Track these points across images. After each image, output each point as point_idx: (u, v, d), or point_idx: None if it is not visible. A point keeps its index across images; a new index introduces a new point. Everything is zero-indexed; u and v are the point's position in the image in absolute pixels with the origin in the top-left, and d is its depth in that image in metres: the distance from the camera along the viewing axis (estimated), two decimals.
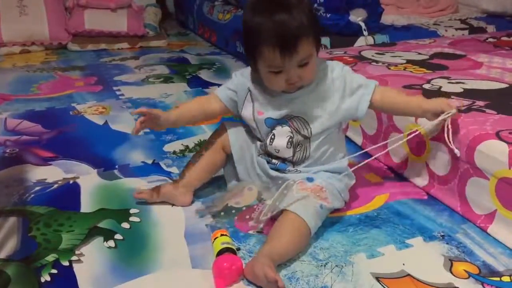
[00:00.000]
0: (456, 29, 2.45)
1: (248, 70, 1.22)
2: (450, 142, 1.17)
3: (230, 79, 1.26)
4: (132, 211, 1.28)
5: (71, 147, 1.68)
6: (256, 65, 1.13)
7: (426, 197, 1.32)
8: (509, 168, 1.08)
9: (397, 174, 1.44)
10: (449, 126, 1.17)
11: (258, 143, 1.25)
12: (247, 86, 1.21)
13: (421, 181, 1.36)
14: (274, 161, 1.22)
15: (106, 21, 3.08)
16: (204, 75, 2.51)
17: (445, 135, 1.18)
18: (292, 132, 1.17)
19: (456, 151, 1.17)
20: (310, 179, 1.17)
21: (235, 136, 1.28)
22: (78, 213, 1.28)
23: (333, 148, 1.21)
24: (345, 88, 1.17)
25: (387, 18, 2.53)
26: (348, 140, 1.62)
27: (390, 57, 1.91)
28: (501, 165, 1.09)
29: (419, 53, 1.94)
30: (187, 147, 1.67)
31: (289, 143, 1.18)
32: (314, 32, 1.09)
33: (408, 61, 1.82)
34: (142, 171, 1.50)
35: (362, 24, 2.32)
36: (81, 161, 1.57)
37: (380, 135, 1.49)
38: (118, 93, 2.24)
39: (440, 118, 1.16)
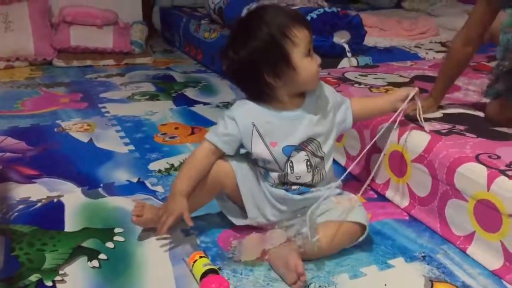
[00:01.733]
0: (437, 51, 2.51)
1: (242, 106, 1.17)
2: (421, 119, 1.32)
3: (223, 124, 1.17)
4: (116, 230, 1.28)
5: (56, 165, 1.67)
6: (291, 63, 1.10)
7: (407, 218, 1.35)
8: (488, 191, 1.11)
9: (380, 194, 1.47)
10: (419, 105, 1.31)
11: (273, 174, 1.19)
12: (250, 121, 1.15)
13: (403, 202, 1.39)
14: (294, 187, 1.20)
15: (92, 37, 3.09)
16: (190, 93, 2.53)
17: (418, 115, 1.32)
18: (308, 155, 1.18)
19: (426, 128, 1.31)
20: (340, 194, 1.25)
21: (240, 173, 1.21)
22: (62, 232, 1.27)
23: (332, 163, 1.25)
24: (334, 104, 1.23)
25: (370, 40, 2.59)
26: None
27: (373, 79, 1.95)
28: (480, 188, 1.12)
29: (401, 75, 1.99)
30: (172, 165, 1.68)
31: (309, 167, 1.19)
32: None
33: (390, 83, 1.86)
34: (127, 189, 1.50)
35: (346, 46, 2.36)
36: (65, 179, 1.56)
37: (363, 155, 1.52)
38: (103, 110, 2.24)
39: (409, 97, 1.29)
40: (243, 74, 1.16)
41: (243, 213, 1.23)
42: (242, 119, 1.16)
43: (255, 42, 1.10)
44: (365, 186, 1.25)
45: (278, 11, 1.14)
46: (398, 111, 1.30)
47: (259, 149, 1.16)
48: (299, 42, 1.10)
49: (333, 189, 1.23)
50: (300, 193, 1.20)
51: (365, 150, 1.35)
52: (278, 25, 1.10)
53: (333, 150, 1.24)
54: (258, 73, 1.12)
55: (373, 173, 1.33)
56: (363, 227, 1.17)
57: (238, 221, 1.25)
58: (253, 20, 1.14)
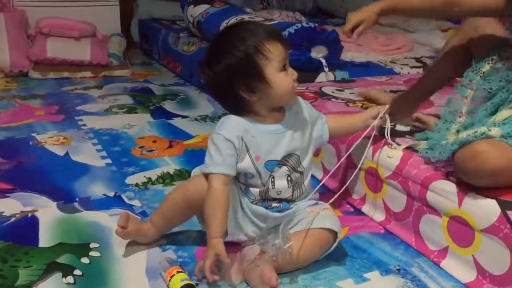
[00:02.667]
0: (411, 67, 2.56)
1: (228, 124, 1.16)
2: (388, 136, 1.36)
3: (216, 150, 1.14)
4: (92, 245, 1.27)
5: (30, 178, 1.65)
6: (265, 79, 1.11)
7: (383, 231, 1.37)
8: (459, 207, 1.14)
9: (357, 209, 1.48)
10: (388, 123, 1.35)
11: (254, 190, 1.18)
12: (240, 136, 1.14)
13: (379, 216, 1.41)
14: (274, 204, 1.20)
15: (69, 49, 3.06)
16: (168, 106, 2.52)
17: (385, 133, 1.37)
18: (289, 171, 1.19)
19: (391, 143, 1.36)
20: (315, 204, 1.26)
21: None
22: (36, 248, 1.25)
23: (310, 178, 1.26)
24: (311, 119, 1.25)
25: (347, 55, 2.63)
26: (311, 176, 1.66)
27: (349, 93, 1.98)
28: (451, 204, 1.15)
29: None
30: (149, 179, 1.67)
31: (289, 183, 1.20)
32: None
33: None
34: (103, 204, 1.49)
35: (323, 61, 2.40)
36: (40, 193, 1.54)
37: (340, 170, 1.54)
38: (80, 123, 2.22)
39: (380, 115, 1.33)
40: (220, 90, 1.18)
41: None
42: (234, 137, 1.14)
43: (228, 58, 1.12)
44: (336, 195, 1.25)
45: (252, 27, 1.16)
46: (369, 127, 1.33)
47: (245, 163, 1.15)
48: (273, 57, 1.11)
49: (308, 201, 1.24)
50: (280, 211, 1.21)
51: (337, 165, 1.37)
52: (252, 41, 1.11)
53: (311, 165, 1.25)
54: (234, 89, 1.13)
55: (344, 186, 1.35)
56: (334, 234, 1.18)
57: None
58: (228, 36, 1.15)
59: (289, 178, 1.19)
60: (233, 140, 1.13)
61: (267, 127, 1.17)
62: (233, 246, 1.21)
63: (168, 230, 1.28)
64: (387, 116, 1.34)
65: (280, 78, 1.13)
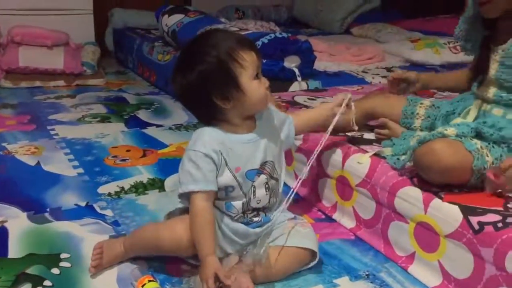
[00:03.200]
0: (382, 76, 2.61)
1: (204, 139, 1.14)
2: (353, 123, 1.38)
3: (195, 166, 1.12)
4: (62, 255, 1.26)
5: (0, 189, 1.63)
6: (240, 87, 1.11)
7: (353, 237, 1.39)
8: (425, 213, 1.17)
9: (328, 216, 1.51)
10: (353, 110, 1.36)
11: (237, 203, 1.17)
12: (218, 150, 1.13)
13: (349, 223, 1.43)
14: (255, 219, 1.20)
15: (41, 58, 3.03)
16: (143, 115, 2.52)
17: (351, 120, 1.37)
18: (267, 179, 1.20)
19: (355, 128, 1.39)
20: (293, 218, 1.28)
21: None
22: (5, 259, 1.24)
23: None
24: (279, 123, 1.27)
25: (320, 65, 2.67)
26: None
27: (321, 102, 2.01)
28: (418, 210, 1.19)
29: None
30: (122, 188, 1.66)
31: (267, 190, 1.20)
32: None
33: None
34: (74, 214, 1.48)
35: (296, 70, 2.43)
36: (10, 204, 1.52)
37: (311, 178, 1.56)
38: (52, 132, 2.20)
39: (344, 102, 1.34)
40: (192, 98, 1.16)
41: None
42: (212, 152, 1.12)
43: (203, 65, 1.11)
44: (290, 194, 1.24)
45: (225, 35, 1.17)
46: (336, 116, 1.32)
47: (225, 177, 1.14)
48: (248, 65, 1.12)
49: (286, 214, 1.26)
50: (261, 225, 1.21)
51: (307, 167, 1.39)
52: (226, 49, 1.11)
53: (285, 171, 1.27)
54: (207, 96, 1.12)
55: (300, 179, 1.28)
56: (312, 253, 1.20)
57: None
58: (201, 44, 1.14)
59: (266, 186, 1.20)
60: (212, 156, 1.12)
61: (242, 137, 1.17)
62: None
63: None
64: (352, 103, 1.36)
65: (254, 86, 1.13)
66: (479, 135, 1.22)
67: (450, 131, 1.20)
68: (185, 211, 1.19)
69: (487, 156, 1.17)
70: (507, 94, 1.28)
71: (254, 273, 1.12)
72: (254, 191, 1.18)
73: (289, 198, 1.22)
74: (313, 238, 1.23)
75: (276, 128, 1.26)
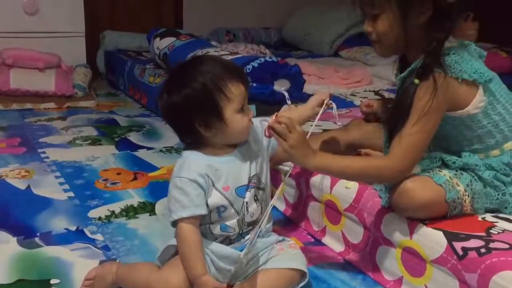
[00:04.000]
0: (370, 99, 2.66)
1: (189, 165, 1.15)
2: (335, 115, 1.37)
3: (181, 193, 1.13)
4: (52, 281, 1.26)
5: None
6: (222, 118, 1.12)
7: (342, 261, 1.41)
8: (411, 239, 1.19)
9: (317, 240, 1.52)
10: (335, 107, 1.36)
11: (232, 222, 1.19)
12: (205, 173, 1.15)
13: (338, 247, 1.45)
14: (247, 237, 1.20)
15: (33, 80, 3.04)
16: (134, 137, 2.52)
17: (333, 113, 1.37)
18: (255, 191, 1.21)
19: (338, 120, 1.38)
20: (282, 240, 1.28)
21: None
22: None
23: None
24: (261, 133, 1.26)
25: (309, 88, 2.70)
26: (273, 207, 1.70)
27: (309, 125, 2.03)
28: (404, 236, 1.21)
29: (335, 123, 2.09)
30: (113, 212, 1.67)
31: (257, 202, 1.21)
32: None
33: (324, 131, 1.95)
34: (65, 238, 1.48)
35: (286, 94, 2.46)
36: (0, 228, 1.52)
37: (301, 202, 1.58)
38: (43, 155, 2.20)
39: (325, 102, 1.34)
40: (175, 119, 1.18)
41: None
42: (198, 177, 1.14)
43: (189, 90, 1.12)
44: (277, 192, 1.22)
45: (217, 63, 1.18)
46: (319, 114, 1.33)
47: (214, 198, 1.16)
48: (234, 98, 1.13)
49: (274, 236, 1.27)
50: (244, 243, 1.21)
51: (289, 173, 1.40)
52: (215, 78, 1.13)
53: (269, 179, 1.27)
54: (190, 121, 1.14)
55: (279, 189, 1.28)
56: (302, 273, 1.21)
57: None
58: (191, 69, 1.16)
59: (256, 198, 1.21)
60: (198, 180, 1.13)
61: (224, 159, 1.18)
62: None
63: None
64: (331, 101, 1.35)
65: (237, 119, 1.14)
66: (444, 164, 1.23)
67: (414, 168, 1.21)
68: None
69: (458, 185, 1.19)
70: None
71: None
72: (247, 208, 1.19)
73: (265, 217, 1.20)
74: (302, 258, 1.24)
75: (258, 139, 1.25)
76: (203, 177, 1.14)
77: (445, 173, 1.20)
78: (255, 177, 1.21)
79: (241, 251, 1.16)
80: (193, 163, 1.16)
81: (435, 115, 1.15)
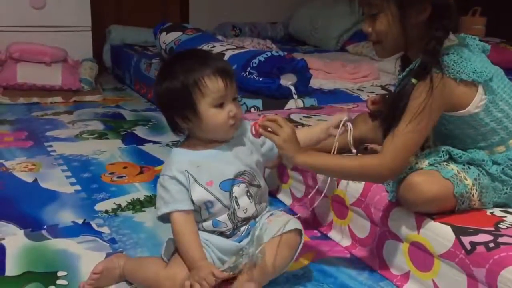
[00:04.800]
0: (377, 94, 2.64)
1: (170, 163, 1.19)
2: (351, 143, 1.30)
3: (164, 190, 1.17)
4: (59, 273, 1.26)
5: None
6: (197, 112, 1.15)
7: (349, 256, 1.40)
8: (418, 233, 1.19)
9: (324, 234, 1.52)
10: (351, 131, 1.30)
11: (223, 217, 1.20)
12: (184, 171, 1.17)
13: (345, 241, 1.45)
14: (242, 228, 1.21)
15: (39, 74, 3.05)
16: (140, 131, 2.53)
17: (348, 138, 1.30)
18: (247, 186, 1.21)
19: (353, 150, 1.31)
20: (271, 214, 1.27)
21: None
22: (2, 277, 1.25)
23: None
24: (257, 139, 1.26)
25: (316, 82, 2.70)
26: (279, 201, 1.70)
27: (316, 120, 2.03)
28: (411, 230, 1.20)
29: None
30: (119, 206, 1.67)
31: (250, 198, 1.21)
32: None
33: None
34: (72, 231, 1.49)
35: (292, 88, 2.45)
36: (7, 221, 1.53)
37: (307, 197, 1.58)
38: (49, 149, 2.21)
39: (341, 123, 1.30)
40: (161, 108, 1.24)
41: None
42: (177, 173, 1.17)
43: (169, 83, 1.17)
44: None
45: (200, 57, 1.20)
46: (337, 136, 1.30)
47: (198, 193, 1.17)
48: (209, 93, 1.15)
49: (266, 214, 1.27)
50: (249, 233, 1.22)
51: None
52: (192, 72, 1.15)
53: (266, 184, 1.28)
54: (169, 112, 1.20)
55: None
56: (298, 232, 1.21)
57: None
58: (176, 62, 1.21)
59: (248, 194, 1.21)
60: (177, 176, 1.17)
61: (208, 152, 1.20)
62: None
63: None
64: (349, 123, 1.32)
65: (211, 113, 1.16)
66: (452, 158, 1.22)
67: (421, 162, 1.21)
68: None
69: (466, 179, 1.18)
70: None
71: (251, 274, 1.13)
72: (237, 202, 1.20)
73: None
74: (292, 220, 1.22)
75: (253, 140, 1.25)
76: (182, 174, 1.17)
77: (453, 167, 1.19)
78: (247, 173, 1.22)
79: (239, 243, 1.20)
80: (174, 161, 1.19)
81: (429, 116, 1.13)
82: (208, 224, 1.21)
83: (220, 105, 1.17)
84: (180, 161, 1.19)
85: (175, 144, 1.24)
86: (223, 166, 1.20)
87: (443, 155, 1.22)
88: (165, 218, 1.20)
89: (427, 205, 1.18)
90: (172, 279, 1.14)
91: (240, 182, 1.20)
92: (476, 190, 1.18)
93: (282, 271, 1.21)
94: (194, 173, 1.18)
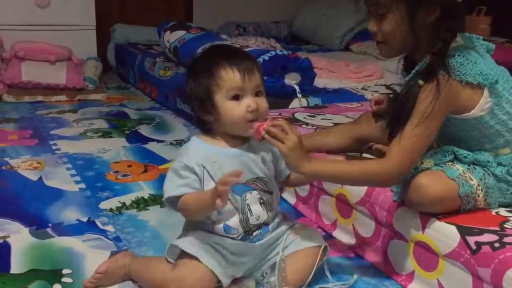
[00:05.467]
0: (381, 93, 2.64)
1: (187, 152, 1.17)
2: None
3: (176, 175, 1.15)
4: (64, 271, 1.27)
5: (2, 204, 1.64)
6: (214, 105, 1.13)
7: (353, 255, 1.40)
8: (423, 233, 1.18)
9: (328, 233, 1.52)
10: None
11: (233, 222, 1.17)
12: (200, 164, 1.15)
13: (349, 241, 1.44)
14: (255, 233, 1.19)
15: (44, 73, 3.06)
16: (144, 130, 2.53)
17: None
18: (260, 193, 1.20)
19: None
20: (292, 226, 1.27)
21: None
22: (8, 274, 1.25)
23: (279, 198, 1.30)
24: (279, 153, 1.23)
25: (320, 82, 2.70)
26: (283, 200, 1.70)
27: (320, 119, 2.03)
28: (416, 230, 1.20)
29: (347, 116, 2.08)
30: (124, 204, 1.68)
31: (262, 205, 1.20)
32: (261, 73, 1.18)
33: (335, 124, 1.94)
34: (76, 229, 1.49)
35: (296, 87, 2.45)
36: (12, 219, 1.53)
37: (312, 197, 1.58)
38: (54, 147, 2.22)
39: None
40: (188, 103, 1.23)
41: None
42: (195, 164, 1.14)
43: (191, 77, 1.18)
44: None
45: (224, 51, 1.19)
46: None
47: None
48: (223, 84, 1.13)
49: (284, 224, 1.26)
50: (261, 239, 1.20)
51: None
52: (211, 65, 1.14)
53: (278, 192, 1.27)
54: (192, 104, 1.19)
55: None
56: (323, 247, 1.23)
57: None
58: (201, 56, 1.21)
59: (261, 201, 1.20)
60: (194, 167, 1.14)
61: (228, 151, 1.17)
62: None
63: None
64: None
65: (227, 106, 1.13)
66: (457, 158, 1.22)
67: (427, 163, 1.20)
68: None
69: (471, 180, 1.17)
70: None
71: (286, 281, 1.14)
72: (250, 209, 1.18)
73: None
74: (317, 234, 1.27)
75: (273, 153, 1.23)
76: (198, 166, 1.14)
77: (458, 167, 1.19)
78: (259, 180, 1.20)
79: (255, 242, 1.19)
80: (192, 151, 1.17)
81: (436, 119, 1.13)
82: (219, 228, 1.18)
83: (237, 98, 1.13)
84: (198, 153, 1.16)
85: (202, 129, 1.21)
86: (238, 168, 1.16)
87: (448, 155, 1.21)
88: (172, 202, 1.15)
89: (433, 206, 1.17)
90: (180, 281, 1.12)
91: (252, 189, 1.18)
92: (482, 190, 1.18)
93: (303, 282, 1.21)
94: (210, 169, 1.15)
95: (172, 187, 1.14)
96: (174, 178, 1.15)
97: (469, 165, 1.20)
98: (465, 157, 1.20)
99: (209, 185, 1.14)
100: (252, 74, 1.14)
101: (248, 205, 1.17)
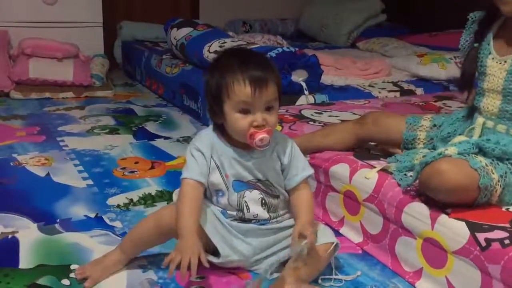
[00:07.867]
0: (389, 91, 2.63)
1: (201, 139, 1.23)
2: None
3: (193, 159, 1.21)
4: (72, 267, 1.27)
5: (11, 200, 1.65)
6: (223, 111, 1.17)
7: (360, 252, 1.40)
8: (432, 229, 1.18)
9: (335, 230, 1.51)
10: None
11: (230, 213, 1.24)
12: (209, 153, 1.21)
13: (357, 238, 1.44)
14: (253, 221, 1.24)
15: (51, 70, 3.07)
16: (151, 127, 2.54)
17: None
18: (262, 194, 1.23)
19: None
20: None
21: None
22: (16, 270, 1.26)
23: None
24: (289, 163, 1.25)
25: (327, 79, 2.69)
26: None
27: (327, 116, 2.03)
28: (425, 226, 1.20)
29: (354, 113, 2.07)
30: (131, 200, 1.68)
31: (264, 206, 1.23)
32: (277, 83, 1.18)
33: (343, 121, 1.94)
34: (84, 225, 1.50)
35: (303, 84, 2.45)
36: (20, 214, 1.54)
37: (319, 193, 1.58)
38: (61, 144, 2.23)
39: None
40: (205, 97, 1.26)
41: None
42: (204, 149, 1.21)
43: (208, 76, 1.20)
44: None
45: (243, 59, 1.17)
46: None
47: (215, 177, 1.22)
48: (233, 97, 1.14)
49: (292, 219, 1.27)
50: (261, 225, 1.24)
51: None
52: (227, 73, 1.15)
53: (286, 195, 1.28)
54: (208, 102, 1.22)
55: None
56: (334, 243, 1.24)
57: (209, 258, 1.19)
58: (223, 57, 1.23)
59: (263, 202, 1.23)
60: (204, 151, 1.21)
61: (233, 151, 1.21)
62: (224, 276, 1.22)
63: (137, 255, 1.29)
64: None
65: (233, 118, 1.16)
66: (481, 151, 1.21)
67: (451, 150, 1.20)
68: None
69: (493, 173, 1.17)
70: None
71: (299, 272, 1.15)
72: (247, 207, 1.22)
73: None
74: (329, 231, 1.29)
75: (284, 161, 1.24)
76: (207, 153, 1.21)
77: (481, 159, 1.19)
78: (261, 182, 1.23)
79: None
80: (203, 138, 1.24)
81: None
82: (217, 210, 1.24)
83: (245, 112, 1.15)
84: (206, 141, 1.22)
85: (215, 123, 1.25)
86: (240, 168, 1.22)
87: (473, 147, 1.21)
88: None
89: (450, 194, 1.16)
90: (170, 207, 1.21)
91: (252, 188, 1.22)
92: (500, 186, 1.17)
93: (317, 274, 1.22)
94: (216, 159, 1.21)
95: (187, 170, 1.21)
96: (189, 162, 1.22)
97: (492, 160, 1.19)
98: (493, 149, 1.20)
99: (215, 172, 1.21)
100: (265, 88, 1.13)
101: (245, 202, 1.22)
